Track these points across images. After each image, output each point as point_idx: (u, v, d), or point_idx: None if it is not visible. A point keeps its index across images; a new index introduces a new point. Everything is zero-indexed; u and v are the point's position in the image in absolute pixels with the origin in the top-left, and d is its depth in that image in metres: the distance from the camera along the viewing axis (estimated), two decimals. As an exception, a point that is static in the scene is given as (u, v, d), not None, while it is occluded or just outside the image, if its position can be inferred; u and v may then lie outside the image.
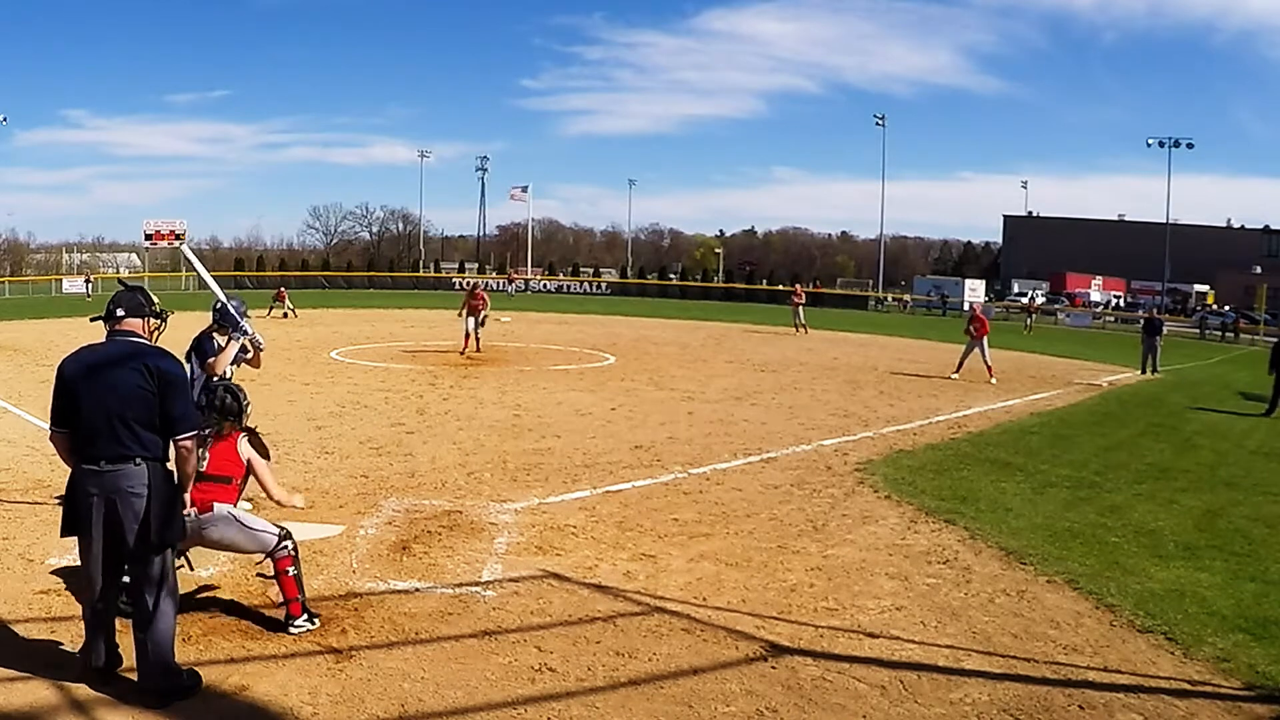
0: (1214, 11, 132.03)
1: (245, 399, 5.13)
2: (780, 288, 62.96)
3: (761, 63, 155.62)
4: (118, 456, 3.83)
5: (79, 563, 4.12)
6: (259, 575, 5.22)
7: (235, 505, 4.81)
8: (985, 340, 18.41)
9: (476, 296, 19.36)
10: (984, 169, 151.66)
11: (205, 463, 4.70)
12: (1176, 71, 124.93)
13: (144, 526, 3.85)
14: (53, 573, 5.40)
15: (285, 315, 30.39)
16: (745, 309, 46.28)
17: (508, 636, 4.79)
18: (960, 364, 18.54)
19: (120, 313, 4.03)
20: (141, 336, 4.08)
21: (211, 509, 4.63)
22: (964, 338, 19.10)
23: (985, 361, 18.25)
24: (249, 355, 6.90)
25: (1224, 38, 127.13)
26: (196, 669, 4.12)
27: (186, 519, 4.44)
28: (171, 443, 4.00)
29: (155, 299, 4.21)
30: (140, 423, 3.85)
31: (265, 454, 5.06)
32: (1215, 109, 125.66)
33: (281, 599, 4.77)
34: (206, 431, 4.80)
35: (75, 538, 4.00)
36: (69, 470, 4.00)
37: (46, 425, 4.16)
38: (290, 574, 4.72)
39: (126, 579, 4.04)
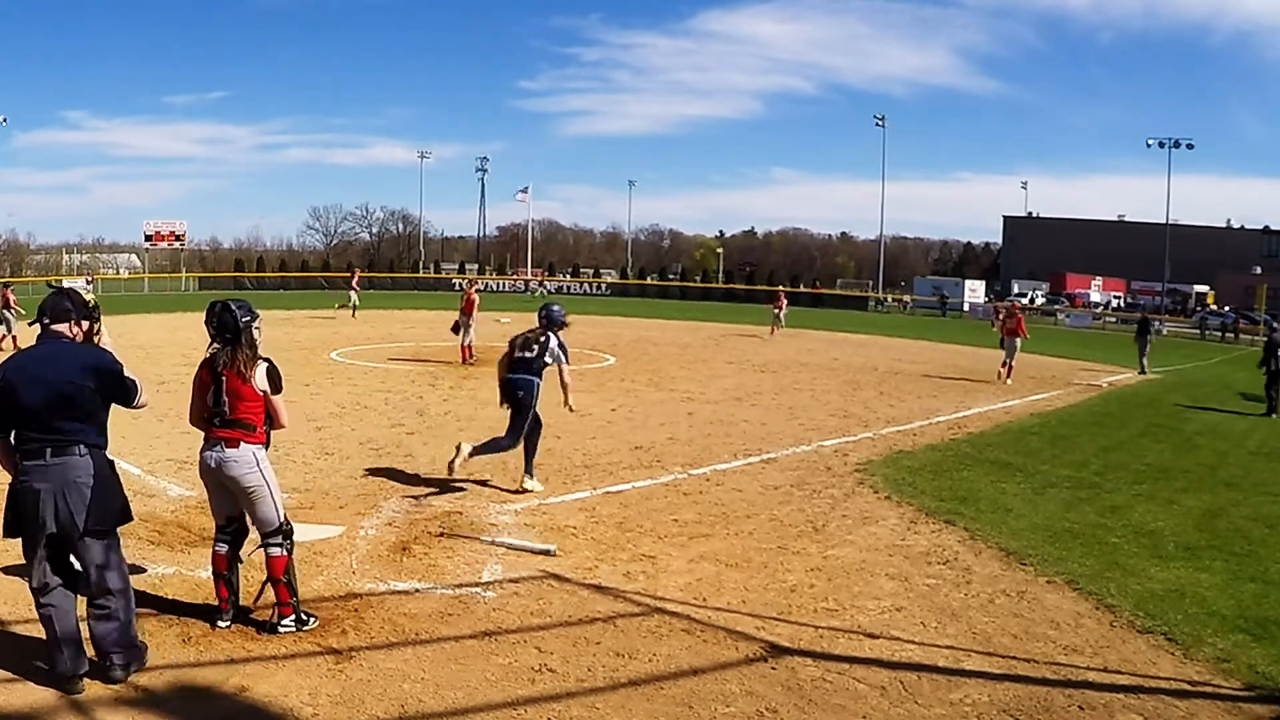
0: (1210, 12, 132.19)
1: (245, 315, 4.69)
2: (780, 288, 62.87)
3: (759, 64, 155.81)
4: (62, 449, 3.97)
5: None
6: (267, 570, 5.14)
7: (265, 447, 4.79)
8: (1019, 340, 18.41)
9: (469, 299, 18.17)
10: (983, 169, 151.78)
11: (227, 407, 4.66)
12: (1175, 72, 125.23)
13: (88, 513, 3.99)
14: None
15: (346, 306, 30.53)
16: (746, 310, 46.23)
17: (508, 637, 4.79)
18: (1009, 366, 18.22)
19: (46, 320, 4.20)
20: (69, 338, 4.20)
21: (238, 446, 4.65)
22: (994, 339, 19.08)
23: (1009, 360, 18.22)
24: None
25: (1221, 38, 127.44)
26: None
27: (211, 454, 4.68)
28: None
29: (86, 298, 4.35)
30: (80, 416, 4.01)
31: (278, 387, 4.80)
32: (1214, 109, 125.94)
33: (274, 600, 4.74)
34: (220, 366, 4.67)
35: (18, 539, 4.07)
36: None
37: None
38: (283, 582, 4.68)
39: (77, 566, 4.13)
